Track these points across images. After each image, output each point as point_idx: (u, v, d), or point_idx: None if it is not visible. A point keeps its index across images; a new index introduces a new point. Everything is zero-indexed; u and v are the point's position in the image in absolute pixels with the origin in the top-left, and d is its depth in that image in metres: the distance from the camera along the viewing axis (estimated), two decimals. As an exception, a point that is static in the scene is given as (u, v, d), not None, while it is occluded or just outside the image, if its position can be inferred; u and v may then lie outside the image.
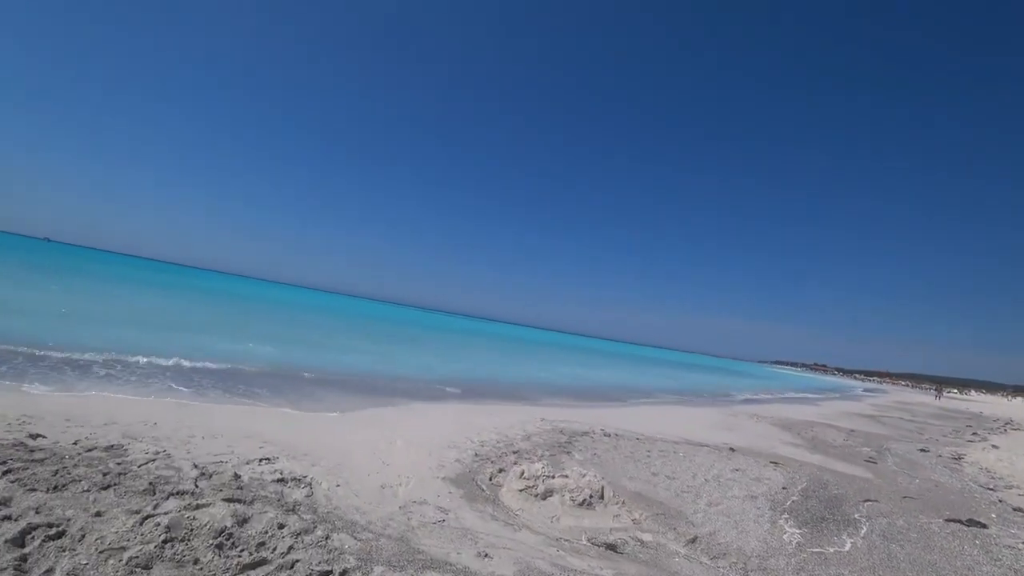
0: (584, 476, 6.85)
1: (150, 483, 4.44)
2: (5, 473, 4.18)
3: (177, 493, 4.33)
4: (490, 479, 6.82)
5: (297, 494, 4.95)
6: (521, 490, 6.41)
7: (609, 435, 10.74)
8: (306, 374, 13.00)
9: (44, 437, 5.29)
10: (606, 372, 34.74)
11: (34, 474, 4.26)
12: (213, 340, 16.35)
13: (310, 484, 5.29)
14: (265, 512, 4.28)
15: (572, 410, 14.22)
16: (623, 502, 6.53)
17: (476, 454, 7.87)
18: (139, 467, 4.86)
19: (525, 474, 6.72)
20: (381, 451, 7.24)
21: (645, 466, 8.58)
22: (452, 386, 15.59)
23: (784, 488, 8.17)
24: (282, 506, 4.53)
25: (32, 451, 4.82)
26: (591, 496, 6.44)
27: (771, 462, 10.03)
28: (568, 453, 8.65)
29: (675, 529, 5.96)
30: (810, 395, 39.30)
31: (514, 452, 8.25)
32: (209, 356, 12.83)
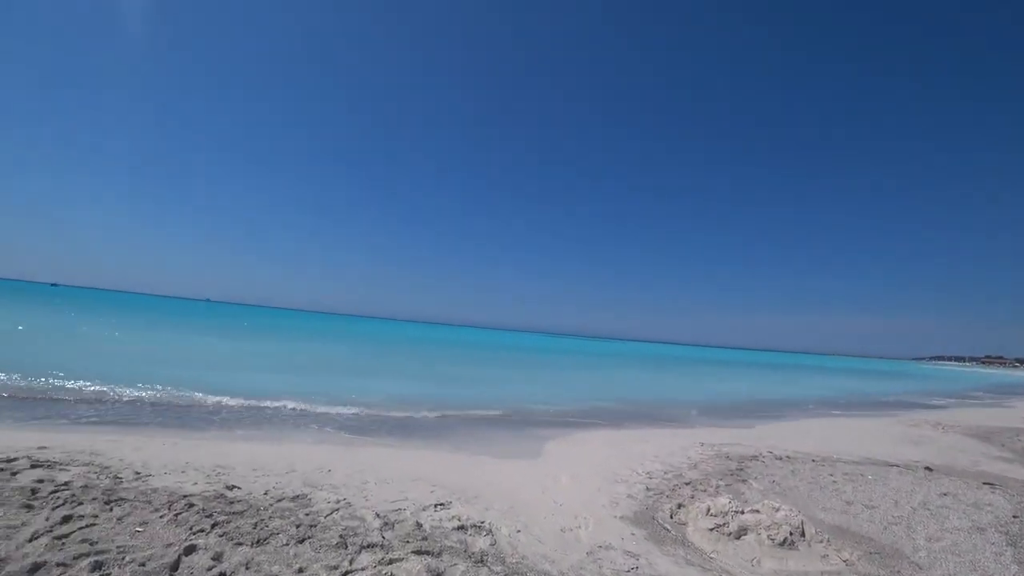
0: (778, 510, 6.06)
1: (340, 535, 4.40)
2: (214, 527, 4.32)
3: (368, 546, 4.24)
4: (671, 516, 6.23)
5: (481, 543, 4.71)
6: (711, 529, 5.76)
7: (781, 458, 9.68)
8: (452, 412, 13.11)
9: (239, 488, 5.51)
10: (737, 384, 32.31)
11: (237, 527, 4.36)
12: (353, 382, 17.25)
13: (491, 531, 5.04)
14: (456, 565, 4.08)
15: (729, 431, 13.12)
16: (827, 539, 5.67)
17: (647, 488, 7.31)
18: (326, 517, 4.88)
19: (712, 510, 6.07)
20: (549, 489, 6.91)
21: (835, 494, 7.54)
22: (592, 412, 15.07)
23: (1016, 517, 6.78)
24: (470, 557, 4.30)
25: (231, 503, 5.00)
26: (791, 533, 5.65)
27: (984, 483, 8.48)
28: (744, 482, 7.83)
29: (899, 573, 5.04)
30: (995, 395, 34.02)
31: (686, 484, 7.58)
32: (358, 399, 13.45)
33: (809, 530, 5.75)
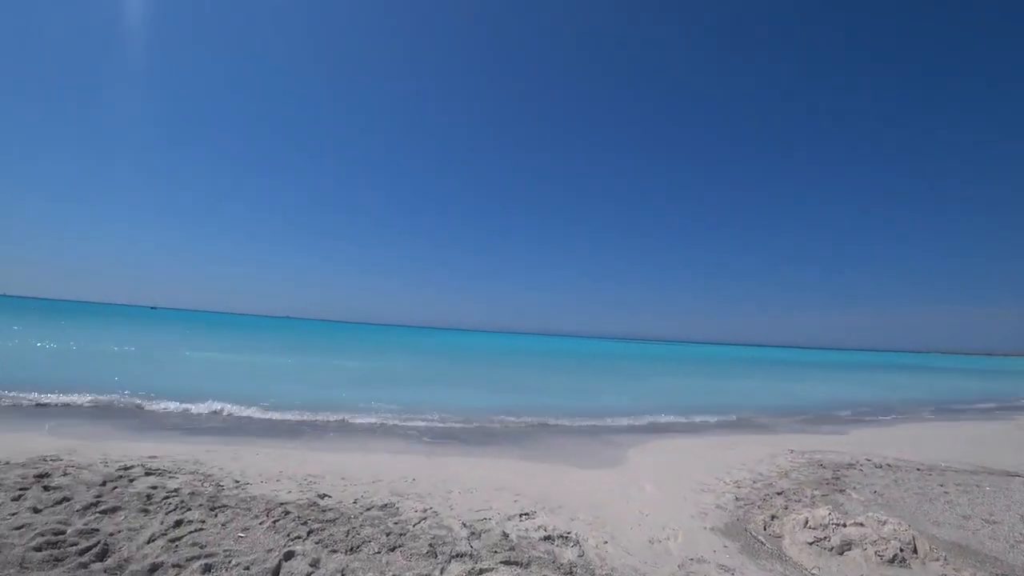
0: (885, 524, 5.62)
1: (430, 544, 4.45)
2: (309, 534, 4.48)
3: (457, 556, 4.27)
4: (765, 528, 5.92)
5: (569, 554, 4.64)
6: (811, 543, 5.41)
7: (881, 466, 9.02)
8: (526, 420, 13.07)
9: (330, 497, 5.71)
10: (811, 385, 30.31)
11: (331, 535, 4.50)
12: (425, 392, 17.61)
13: (578, 542, 4.96)
14: (545, 576, 4.03)
15: (818, 437, 12.37)
16: (943, 557, 5.20)
17: (736, 497, 7.00)
18: (414, 526, 4.96)
19: (810, 522, 5.72)
20: (633, 499, 6.74)
21: (947, 506, 6.92)
22: (666, 419, 14.64)
23: None
24: (559, 568, 4.23)
25: (324, 511, 5.17)
26: (901, 550, 5.22)
27: None
28: (843, 492, 7.34)
29: (1035, 600, 4.56)
30: None
31: (778, 493, 7.19)
32: (433, 409, 13.68)
33: (922, 546, 5.30)
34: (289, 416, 11.62)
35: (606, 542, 5.08)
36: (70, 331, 37.11)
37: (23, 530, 4.21)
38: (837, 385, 31.36)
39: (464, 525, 5.11)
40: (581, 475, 7.95)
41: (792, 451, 10.22)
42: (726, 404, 18.77)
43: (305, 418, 11.56)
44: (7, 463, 6.25)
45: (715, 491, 7.30)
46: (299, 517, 4.89)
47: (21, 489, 5.22)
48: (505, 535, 4.92)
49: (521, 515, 5.67)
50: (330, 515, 5.04)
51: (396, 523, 5.00)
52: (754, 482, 7.80)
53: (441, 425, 11.84)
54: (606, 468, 8.57)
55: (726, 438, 11.89)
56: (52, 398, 11.47)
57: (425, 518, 5.24)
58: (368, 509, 5.37)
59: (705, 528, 5.79)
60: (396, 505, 5.60)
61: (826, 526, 5.59)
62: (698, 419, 14.94)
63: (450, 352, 51.02)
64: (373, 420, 11.90)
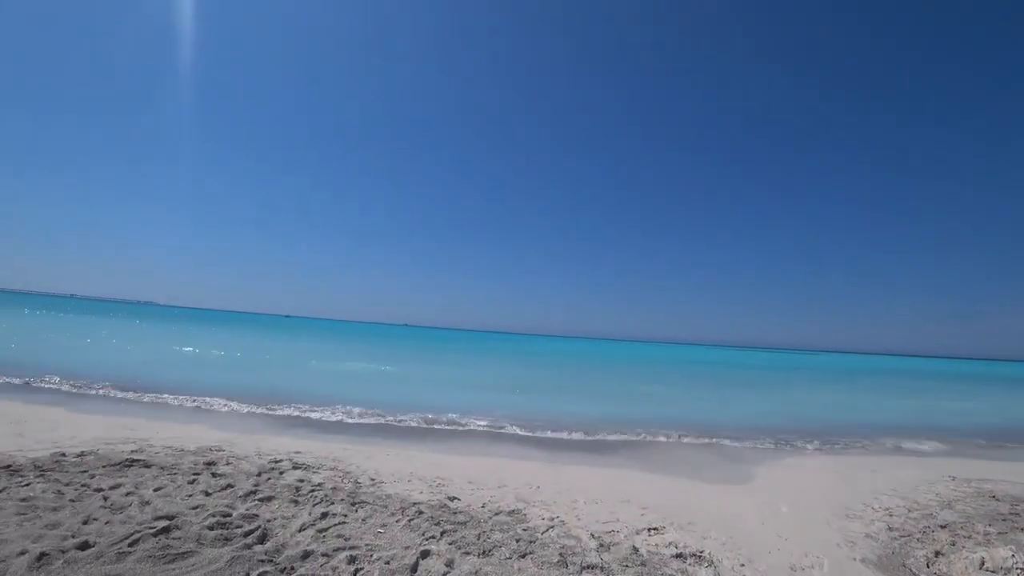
0: (1087, 576, 4.80)
1: (560, 553, 4.41)
2: (443, 534, 4.61)
3: (588, 567, 4.18)
4: (928, 565, 5.24)
5: (703, 575, 4.41)
6: (991, 591, 4.76)
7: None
8: (643, 430, 12.65)
9: (459, 500, 5.85)
10: (966, 403, 26.16)
11: (463, 537, 4.60)
12: (540, 399, 17.62)
13: (712, 562, 4.68)
14: (682, 597, 3.84)
15: (985, 463, 10.77)
16: None
17: (889, 527, 6.28)
18: (543, 534, 4.94)
19: (987, 563, 4.99)
20: (769, 520, 6.28)
21: None
22: (794, 434, 13.46)
23: None
24: (696, 590, 4.03)
25: (454, 513, 5.31)
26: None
27: None
28: (1025, 532, 6.37)
29: None
30: None
31: (941, 527, 6.35)
32: (550, 416, 13.72)
33: None
34: (411, 420, 12.15)
35: (743, 565, 4.76)
36: (228, 339, 41.63)
37: (198, 510, 4.71)
38: (980, 402, 27.39)
39: (592, 536, 5.02)
40: (707, 490, 7.56)
41: (953, 478, 9.05)
42: (857, 421, 17.02)
43: (427, 422, 12.03)
44: (182, 450, 7.09)
45: (863, 518, 6.61)
46: (432, 518, 5.05)
47: (194, 474, 5.88)
48: (635, 549, 4.76)
49: (650, 529, 5.47)
50: (461, 517, 5.16)
51: (525, 530, 5.01)
52: (909, 511, 6.98)
53: (557, 433, 11.79)
54: (733, 484, 8.09)
55: (867, 459, 10.77)
56: (211, 400, 12.90)
57: (553, 526, 5.21)
58: (496, 514, 5.44)
59: (854, 559, 5.25)
60: (523, 512, 5.62)
61: (1009, 569, 4.87)
62: (828, 435, 13.65)
63: (542, 358, 51.10)
64: (490, 425, 12.13)
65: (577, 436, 11.60)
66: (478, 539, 4.59)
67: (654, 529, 5.48)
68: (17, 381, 13.36)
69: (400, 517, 5.00)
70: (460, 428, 11.69)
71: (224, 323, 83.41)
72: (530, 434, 11.51)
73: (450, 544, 4.41)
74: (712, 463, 9.73)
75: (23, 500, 4.81)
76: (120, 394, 12.63)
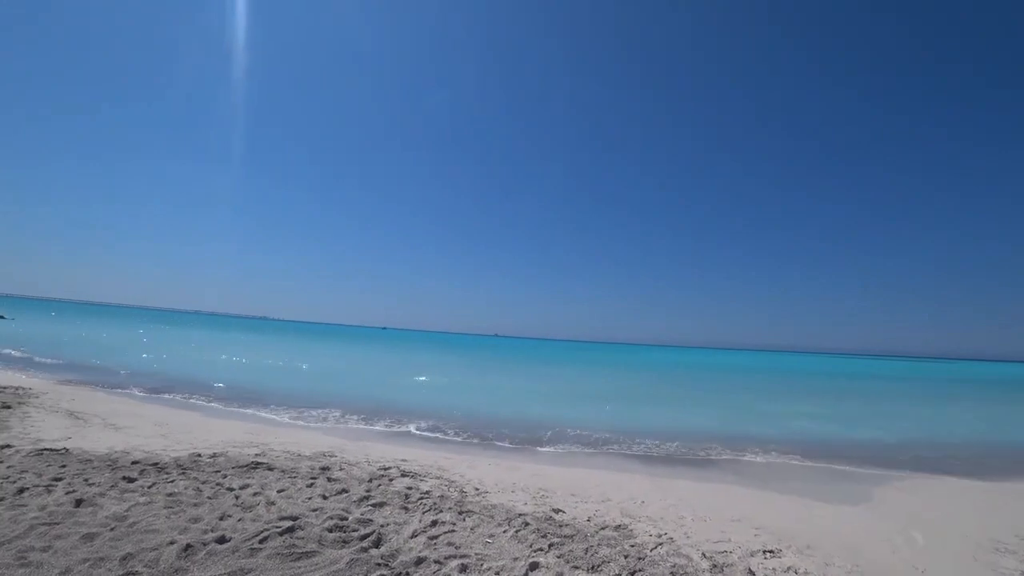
0: None
1: (671, 573, 4.25)
2: (550, 547, 4.58)
3: (704, 589, 4.02)
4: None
5: (831, 606, 4.09)
6: None
7: None
8: (746, 444, 11.95)
9: (563, 512, 5.81)
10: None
11: (571, 551, 4.55)
12: (634, 410, 17.16)
13: (840, 593, 4.36)
14: (809, 628, 3.58)
15: None
16: None
17: (1053, 568, 5.56)
18: (651, 551, 4.79)
19: None
20: (900, 548, 5.73)
21: None
22: (918, 450, 12.29)
23: None
24: (824, 622, 3.74)
25: (560, 526, 5.27)
26: None
27: None
28: None
29: None
30: None
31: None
32: (648, 428, 13.35)
33: None
34: (509, 430, 12.24)
35: (878, 599, 4.38)
36: (332, 352, 44.17)
37: (317, 512, 4.99)
38: None
39: (704, 556, 4.80)
40: (824, 511, 7.03)
41: None
42: (1001, 440, 15.21)
43: (525, 433, 12.08)
44: (298, 455, 7.55)
45: (1017, 553, 5.89)
46: (538, 529, 5.05)
47: (312, 478, 6.24)
48: (751, 572, 4.51)
49: (765, 551, 5.16)
50: (567, 530, 5.12)
51: (632, 546, 4.89)
52: (1078, 548, 6.14)
53: (657, 446, 11.44)
54: (852, 505, 7.49)
55: (1017, 484, 9.60)
56: (322, 410, 13.68)
57: (661, 543, 5.04)
58: (603, 528, 5.34)
59: (1012, 601, 4.69)
60: (629, 527, 5.49)
61: None
62: (963, 455, 12.29)
63: (632, 368, 49.89)
64: (588, 437, 11.98)
65: (678, 449, 11.22)
66: (586, 553, 4.52)
67: (770, 552, 5.17)
68: (156, 387, 14.87)
69: (507, 528, 5.03)
70: (558, 439, 11.63)
71: (326, 336, 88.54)
72: (629, 447, 11.25)
73: (558, 557, 4.38)
74: (826, 481, 9.09)
75: (169, 495, 5.30)
76: (242, 401, 13.73)
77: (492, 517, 5.35)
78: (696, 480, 8.47)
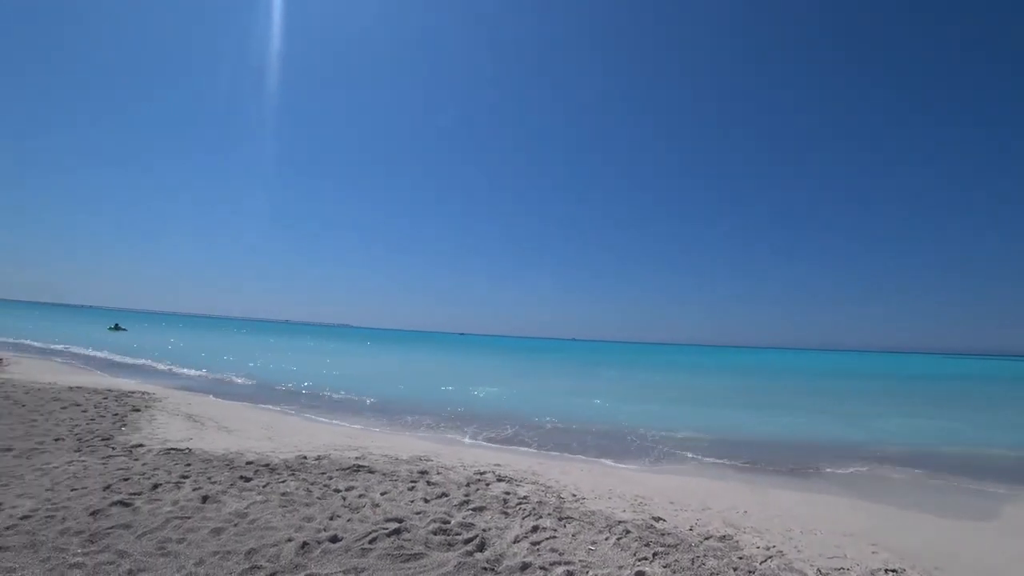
0: None
1: (787, 588, 4.06)
2: (655, 556, 4.49)
3: (824, 607, 3.80)
4: None
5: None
6: None
7: None
8: (847, 453, 11.17)
9: (664, 520, 5.67)
10: None
11: (676, 560, 4.44)
12: (732, 415, 16.42)
13: (981, 620, 3.99)
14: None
15: None
16: None
17: None
18: (761, 564, 4.60)
19: None
20: (1043, 574, 5.21)
21: None
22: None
23: None
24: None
25: (662, 534, 5.15)
26: None
27: None
28: None
29: None
30: None
31: None
32: (735, 433, 12.85)
33: None
34: (599, 434, 12.14)
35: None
36: (416, 357, 45.55)
37: (421, 515, 5.13)
38: None
39: (820, 572, 4.55)
40: (949, 528, 6.49)
41: None
42: None
43: (615, 438, 11.92)
44: (396, 459, 7.81)
45: None
46: (640, 538, 4.95)
47: (412, 482, 6.43)
48: (876, 593, 4.22)
49: (888, 571, 4.81)
50: (669, 539, 4.99)
51: (740, 558, 4.70)
52: None
53: (752, 453, 10.91)
54: (980, 522, 6.86)
55: None
56: (416, 416, 14.12)
57: (771, 557, 4.82)
58: (707, 538, 5.17)
59: None
60: (735, 538, 5.28)
61: None
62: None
63: (695, 368, 48.03)
64: (682, 442, 11.65)
65: (775, 456, 10.67)
66: (692, 564, 4.40)
67: (893, 571, 4.82)
68: (259, 393, 15.87)
69: (608, 535, 4.98)
70: (646, 444, 11.38)
71: (407, 342, 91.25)
72: (720, 453, 10.79)
73: (664, 567, 4.28)
74: (947, 495, 8.38)
75: (283, 495, 5.62)
76: (338, 406, 14.42)
77: (592, 524, 5.31)
78: (799, 491, 8.03)
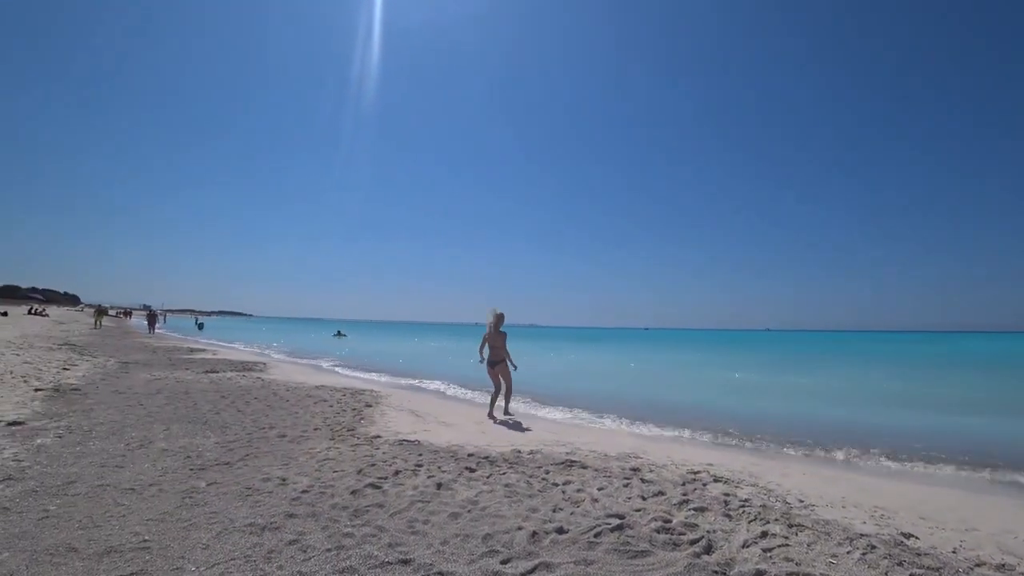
0: None
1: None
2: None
3: None
4: None
5: None
6: None
7: None
8: None
9: (916, 538, 5.00)
10: None
11: (943, 586, 3.90)
12: (964, 419, 13.64)
13: None
14: None
15: None
16: None
17: None
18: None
19: None
20: None
21: None
22: None
23: None
24: None
25: (918, 555, 4.52)
26: None
27: None
28: None
29: None
30: None
31: None
32: (969, 437, 10.71)
33: None
34: (817, 436, 10.88)
35: None
36: (609, 355, 45.71)
37: (640, 512, 5.19)
38: None
39: None
40: None
41: None
42: None
43: (826, 438, 10.62)
44: (605, 455, 7.95)
45: None
46: (889, 555, 4.43)
47: (625, 479, 6.51)
48: None
49: None
50: (928, 561, 4.38)
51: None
52: None
53: (992, 461, 9.03)
54: None
55: None
56: (613, 413, 14.22)
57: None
58: (977, 565, 4.42)
59: None
60: (1017, 569, 4.45)
61: None
62: None
63: (893, 360, 40.35)
64: (909, 447, 10.00)
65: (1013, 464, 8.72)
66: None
67: None
68: (467, 392, 17.16)
69: (850, 548, 4.54)
70: (872, 447, 9.89)
71: (593, 339, 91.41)
72: (983, 464, 8.93)
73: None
74: None
75: (506, 486, 6.05)
76: (544, 402, 14.93)
77: (828, 534, 4.88)
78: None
